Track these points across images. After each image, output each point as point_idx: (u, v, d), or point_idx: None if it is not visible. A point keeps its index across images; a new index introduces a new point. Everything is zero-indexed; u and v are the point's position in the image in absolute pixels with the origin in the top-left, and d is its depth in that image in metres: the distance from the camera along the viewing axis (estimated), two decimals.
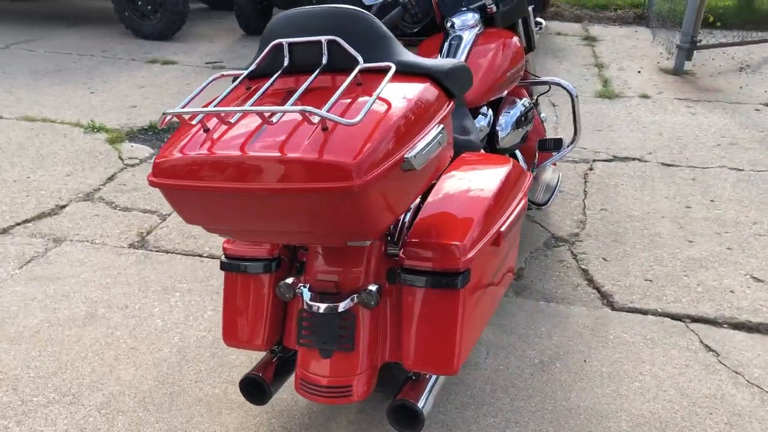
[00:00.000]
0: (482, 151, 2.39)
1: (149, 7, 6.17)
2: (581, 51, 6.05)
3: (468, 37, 2.61)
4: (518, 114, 2.66)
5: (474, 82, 2.47)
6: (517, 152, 2.87)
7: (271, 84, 1.61)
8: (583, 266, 2.84)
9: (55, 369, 2.25)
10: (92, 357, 2.30)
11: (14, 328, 2.45)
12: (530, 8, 2.91)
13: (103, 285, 2.70)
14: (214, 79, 1.70)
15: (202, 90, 1.65)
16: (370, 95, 1.52)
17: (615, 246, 2.97)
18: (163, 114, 1.48)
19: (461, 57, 2.54)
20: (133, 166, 3.76)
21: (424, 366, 1.70)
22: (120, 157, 3.84)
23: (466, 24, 2.63)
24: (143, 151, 3.95)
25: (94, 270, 2.80)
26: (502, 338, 2.41)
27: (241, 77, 1.67)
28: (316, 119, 1.37)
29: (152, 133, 4.15)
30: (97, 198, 3.39)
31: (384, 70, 1.58)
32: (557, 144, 2.92)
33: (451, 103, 1.66)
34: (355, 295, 1.71)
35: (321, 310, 1.71)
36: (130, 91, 4.80)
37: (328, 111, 1.42)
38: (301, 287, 1.78)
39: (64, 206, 3.31)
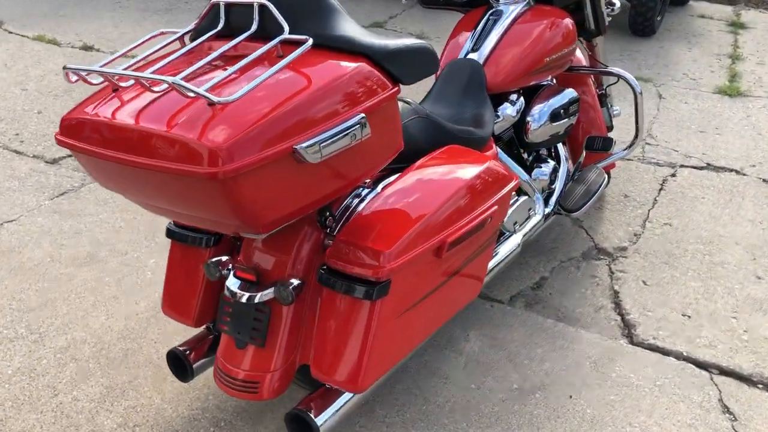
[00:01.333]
0: (493, 143, 2.12)
1: None
2: (720, 38, 5.34)
3: (510, 12, 2.31)
4: (558, 105, 2.34)
5: (502, 65, 2.19)
6: (560, 148, 2.55)
7: (195, 47, 1.47)
8: (616, 286, 2.50)
9: (37, 305, 2.30)
10: (73, 299, 2.33)
11: (19, 258, 2.53)
12: None
13: (114, 228, 2.73)
14: (151, 37, 1.59)
15: (135, 47, 1.54)
16: (288, 70, 1.34)
17: (663, 269, 2.58)
18: (64, 68, 1.39)
19: (495, 35, 2.25)
20: None
21: (328, 377, 1.53)
22: None
23: None
24: None
25: (113, 212, 2.85)
26: (488, 353, 2.17)
27: (176, 36, 1.54)
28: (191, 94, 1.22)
29: None
30: None
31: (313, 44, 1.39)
32: (606, 144, 2.55)
33: (393, 89, 1.44)
34: (273, 288, 1.56)
35: (237, 297, 1.58)
36: None
37: (216, 83, 1.26)
38: (228, 269, 1.66)
39: None
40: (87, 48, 4.53)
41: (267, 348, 1.61)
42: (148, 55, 1.50)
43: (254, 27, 1.43)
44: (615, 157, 2.73)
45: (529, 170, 2.40)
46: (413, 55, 1.49)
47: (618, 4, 2.65)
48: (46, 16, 5.13)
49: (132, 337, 2.17)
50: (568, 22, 2.37)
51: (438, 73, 2.29)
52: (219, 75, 1.29)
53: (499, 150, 2.23)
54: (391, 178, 1.70)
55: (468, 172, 1.69)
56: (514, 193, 2.25)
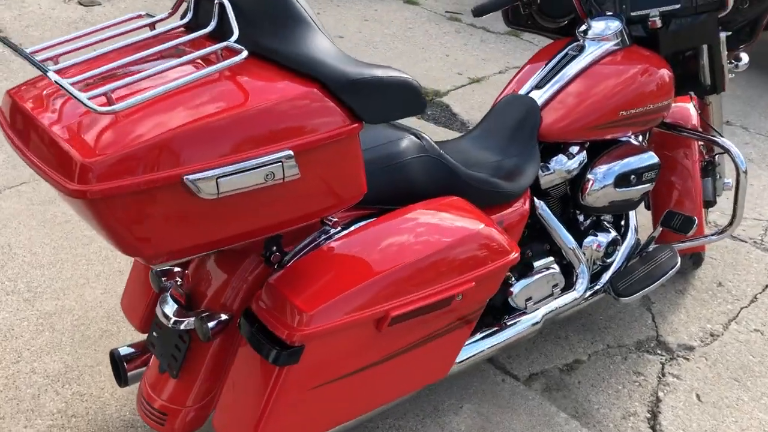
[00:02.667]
0: (526, 198, 1.80)
1: None
2: None
3: (592, 50, 1.95)
4: (628, 169, 1.96)
5: (563, 111, 1.86)
6: (631, 217, 2.15)
7: (152, 37, 1.31)
8: (660, 393, 2.08)
9: (46, 262, 2.31)
10: (82, 265, 2.31)
11: (53, 211, 2.56)
12: (722, 35, 2.09)
13: None
14: (129, 18, 1.45)
15: (108, 26, 1.41)
16: (214, 84, 1.15)
17: (730, 386, 2.13)
18: None
19: (566, 74, 1.92)
20: None
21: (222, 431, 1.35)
22: None
23: (601, 33, 1.97)
24: None
25: None
26: None
27: (149, 21, 1.39)
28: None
29: None
30: None
31: (263, 57, 1.19)
32: (685, 225, 2.12)
33: (349, 126, 1.20)
34: (194, 318, 1.39)
35: (162, 318, 1.43)
36: (351, 21, 4.71)
37: (123, 85, 1.09)
38: (170, 283, 1.51)
39: None
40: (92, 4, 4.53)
41: (181, 381, 1.45)
42: (95, 43, 1.35)
43: (212, 26, 1.25)
44: (699, 241, 2.29)
45: (582, 236, 2.05)
46: (384, 90, 1.24)
47: (746, 60, 2.19)
48: None
49: (116, 319, 2.10)
50: (664, 73, 1.97)
51: (493, 104, 2.00)
52: (135, 76, 1.13)
53: (543, 207, 1.90)
54: (362, 222, 1.46)
55: (449, 234, 1.41)
56: (551, 259, 1.94)
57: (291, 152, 1.13)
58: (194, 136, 1.07)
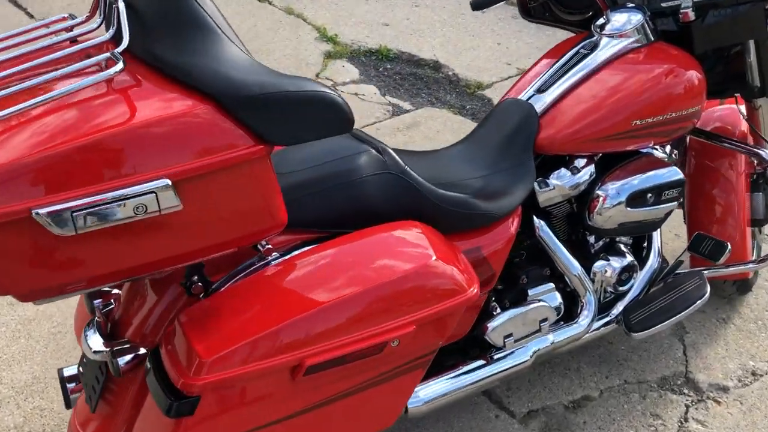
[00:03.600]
0: (511, 220, 1.58)
1: None
2: None
3: (607, 47, 1.70)
4: (645, 186, 1.70)
5: (564, 119, 1.63)
6: (654, 239, 1.88)
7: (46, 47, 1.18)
8: None
9: None
10: None
11: None
12: None
13: None
14: (52, 21, 1.33)
15: (32, 29, 1.30)
16: (88, 102, 1.01)
17: None
18: None
19: (573, 76, 1.67)
20: (333, 88, 3.53)
21: None
22: (318, 74, 3.65)
23: (619, 28, 1.71)
24: (350, 74, 3.69)
25: None
26: None
27: (68, 24, 1.27)
28: None
29: (375, 59, 3.84)
30: None
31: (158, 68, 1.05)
32: (716, 250, 1.83)
33: (250, 149, 1.03)
34: (108, 350, 1.28)
35: (83, 346, 1.32)
36: (400, 7, 4.49)
37: None
38: (99, 306, 1.40)
39: None
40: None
41: (99, 415, 1.34)
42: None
43: (110, 33, 1.11)
44: (735, 269, 1.98)
45: (591, 260, 1.80)
46: (295, 107, 1.06)
47: None
48: None
49: None
50: (692, 76, 1.69)
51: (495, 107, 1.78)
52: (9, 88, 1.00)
53: (543, 228, 1.67)
54: (299, 251, 1.30)
55: (388, 269, 1.23)
56: (551, 286, 1.71)
57: (168, 181, 0.97)
58: (46, 163, 0.93)
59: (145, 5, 1.07)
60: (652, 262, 1.87)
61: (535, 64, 1.82)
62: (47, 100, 0.97)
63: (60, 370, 1.57)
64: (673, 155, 1.86)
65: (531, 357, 1.67)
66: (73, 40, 1.16)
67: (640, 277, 1.86)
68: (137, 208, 0.97)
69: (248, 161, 1.04)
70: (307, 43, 3.93)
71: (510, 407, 1.90)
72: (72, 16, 1.30)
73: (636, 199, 1.70)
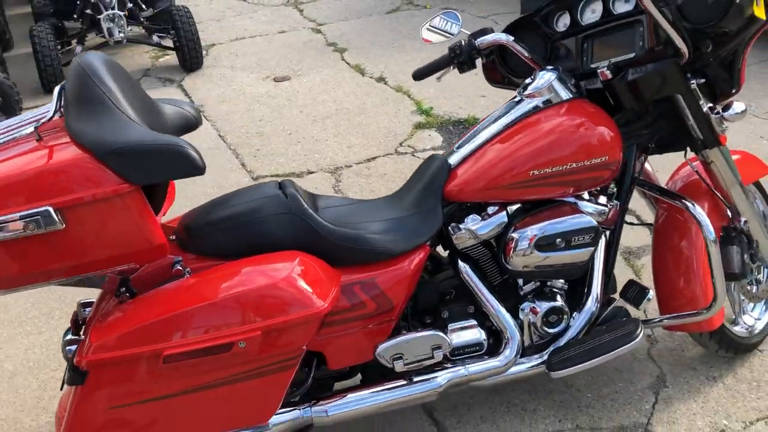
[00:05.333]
0: (412, 260, 1.82)
1: None
2: None
3: (523, 104, 1.89)
4: (551, 232, 1.83)
5: (470, 170, 1.85)
6: (595, 282, 1.95)
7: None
8: None
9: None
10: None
11: None
12: (692, 84, 1.83)
13: None
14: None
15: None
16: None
17: None
18: None
19: (489, 131, 1.88)
20: (412, 153, 3.89)
21: None
22: (402, 143, 4.01)
23: (536, 87, 1.90)
24: (432, 141, 4.01)
25: None
26: None
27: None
28: None
29: (462, 127, 4.13)
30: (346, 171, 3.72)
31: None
32: (638, 297, 1.86)
33: (116, 187, 1.45)
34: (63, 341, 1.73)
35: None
36: None
37: None
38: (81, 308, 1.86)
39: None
40: (380, 79, 4.99)
41: (65, 390, 1.75)
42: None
43: (49, 114, 1.58)
44: (677, 321, 1.97)
45: (521, 301, 1.93)
46: (150, 155, 1.46)
47: (738, 109, 1.86)
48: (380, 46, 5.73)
49: None
50: (600, 131, 1.82)
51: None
52: None
53: (466, 269, 1.87)
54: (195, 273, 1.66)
55: (244, 284, 1.56)
56: (473, 322, 1.88)
57: (49, 208, 1.41)
58: None
59: (69, 89, 1.55)
60: (590, 306, 1.95)
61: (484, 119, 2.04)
62: None
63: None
64: (609, 205, 1.92)
65: (443, 384, 1.85)
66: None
67: (577, 321, 1.94)
68: (26, 226, 1.41)
69: (117, 196, 1.44)
70: (403, 116, 4.35)
71: None
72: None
73: (546, 244, 1.83)
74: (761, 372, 2.17)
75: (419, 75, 2.10)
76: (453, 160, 1.89)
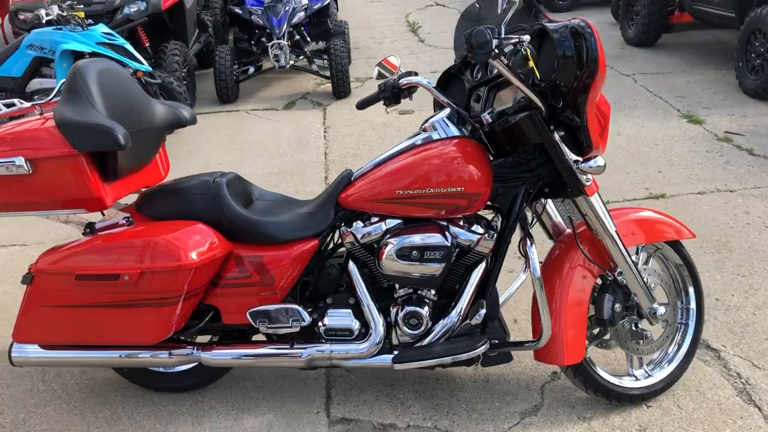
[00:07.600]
0: (299, 248, 2.24)
1: None
2: None
3: (418, 136, 2.24)
4: (410, 244, 2.14)
5: (360, 184, 2.22)
6: (462, 298, 2.20)
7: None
8: None
9: None
10: None
11: None
12: (555, 136, 2.03)
13: None
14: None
15: None
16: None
17: None
18: None
19: (388, 153, 2.25)
20: None
21: None
22: None
23: (430, 122, 2.23)
24: None
25: None
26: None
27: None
28: None
29: None
30: None
31: None
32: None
33: (64, 151, 2.09)
34: None
35: None
36: (610, 137, 4.77)
37: None
38: None
39: None
40: None
41: None
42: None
43: (50, 97, 2.31)
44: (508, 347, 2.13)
45: (390, 302, 2.26)
46: (85, 130, 2.07)
47: (598, 162, 2.01)
48: None
49: None
50: (467, 167, 2.08)
51: None
52: None
53: (352, 266, 2.25)
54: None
55: (139, 237, 2.12)
56: (348, 312, 2.25)
57: (22, 158, 2.09)
58: None
59: (65, 84, 2.23)
60: (452, 318, 2.20)
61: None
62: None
63: None
64: (486, 235, 2.16)
65: (306, 356, 2.24)
66: None
67: (437, 329, 2.21)
68: (5, 167, 2.11)
69: (68, 156, 2.08)
70: None
71: (332, 409, 2.40)
72: None
73: (404, 254, 2.14)
74: (631, 422, 2.21)
75: (361, 104, 2.51)
76: (356, 173, 2.28)
